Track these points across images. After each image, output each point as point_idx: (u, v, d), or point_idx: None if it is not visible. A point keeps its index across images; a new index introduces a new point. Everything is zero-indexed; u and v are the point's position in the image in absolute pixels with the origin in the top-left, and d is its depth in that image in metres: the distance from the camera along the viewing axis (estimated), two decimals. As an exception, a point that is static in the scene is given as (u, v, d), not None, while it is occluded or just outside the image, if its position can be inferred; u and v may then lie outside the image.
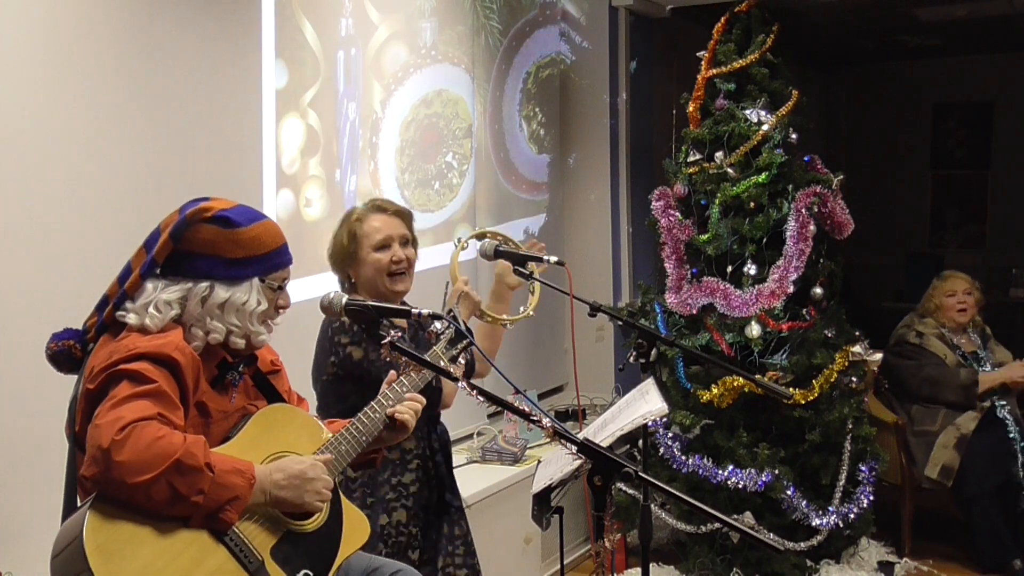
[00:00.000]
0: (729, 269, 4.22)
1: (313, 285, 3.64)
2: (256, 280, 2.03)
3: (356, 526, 2.14)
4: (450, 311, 2.76)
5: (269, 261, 2.05)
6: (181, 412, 1.85)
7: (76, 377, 2.01)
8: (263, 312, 2.04)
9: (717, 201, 4.23)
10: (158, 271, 1.99)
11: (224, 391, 2.05)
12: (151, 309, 1.95)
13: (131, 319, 1.95)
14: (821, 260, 4.28)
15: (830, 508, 4.12)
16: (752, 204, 4.18)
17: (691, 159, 4.38)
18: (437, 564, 2.79)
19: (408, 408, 2.25)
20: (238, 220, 2.02)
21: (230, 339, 2.01)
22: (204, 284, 1.98)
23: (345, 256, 2.72)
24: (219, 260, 1.99)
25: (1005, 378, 4.67)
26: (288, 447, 2.07)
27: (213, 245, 1.99)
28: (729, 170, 4.25)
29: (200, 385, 1.96)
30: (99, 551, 1.71)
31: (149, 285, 1.97)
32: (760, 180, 4.17)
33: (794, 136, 4.32)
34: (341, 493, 2.15)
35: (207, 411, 1.98)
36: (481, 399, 2.03)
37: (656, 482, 1.88)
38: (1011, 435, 4.60)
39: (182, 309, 1.97)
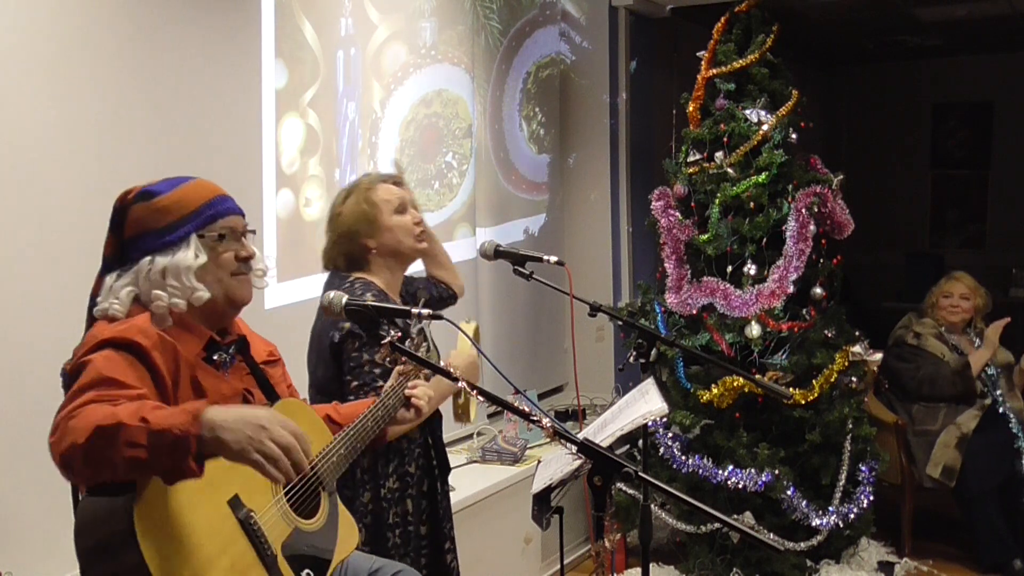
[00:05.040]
0: (729, 269, 4.22)
1: (313, 285, 3.64)
2: (193, 236, 2.01)
3: (348, 532, 2.16)
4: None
5: (201, 215, 2.03)
6: (142, 391, 1.80)
7: None
8: (203, 267, 2.00)
9: (717, 201, 4.23)
10: (111, 267, 2.02)
11: (216, 371, 2.05)
12: (111, 298, 1.97)
13: (96, 312, 1.98)
14: (821, 260, 4.28)
15: (830, 508, 4.12)
16: (752, 204, 4.18)
17: (691, 159, 4.38)
18: (444, 547, 2.82)
19: (423, 394, 2.32)
20: (159, 190, 2.03)
21: (172, 302, 1.97)
22: (145, 260, 1.99)
23: (367, 223, 2.70)
24: (150, 233, 2.00)
25: (991, 346, 4.69)
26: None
27: (142, 222, 2.00)
28: (729, 170, 4.25)
29: (183, 366, 1.93)
30: (145, 518, 1.71)
31: (107, 279, 2.00)
32: (760, 180, 4.17)
33: (794, 136, 4.32)
34: (338, 497, 2.17)
35: (202, 390, 1.97)
36: (481, 399, 2.03)
37: (656, 482, 1.88)
38: (1013, 430, 4.61)
39: (138, 290, 1.98)
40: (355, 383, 2.61)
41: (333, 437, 2.17)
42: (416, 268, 2.96)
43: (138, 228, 2.00)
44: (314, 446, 2.11)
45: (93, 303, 2.02)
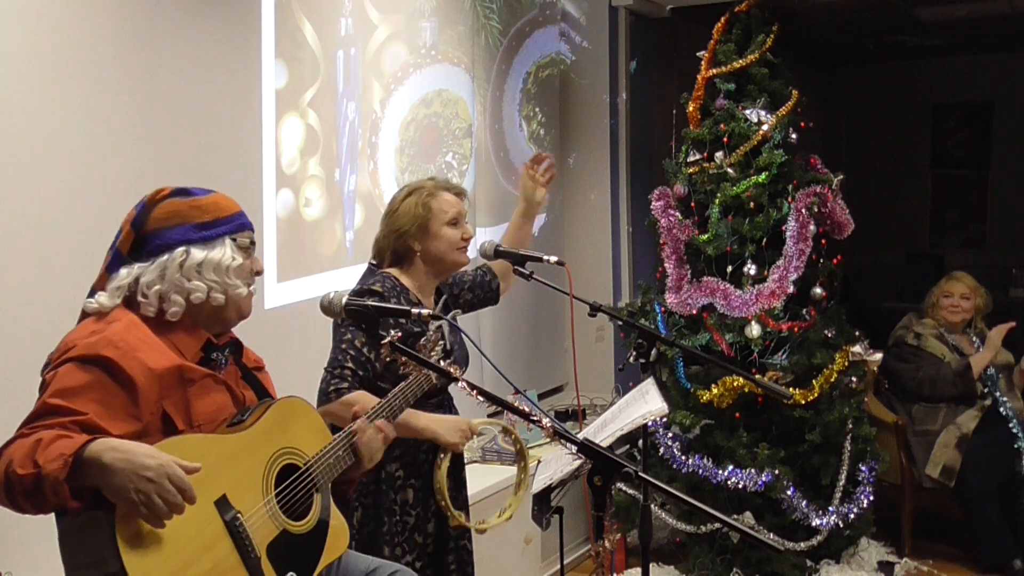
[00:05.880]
0: (729, 269, 4.22)
1: (313, 285, 3.64)
2: (228, 239, 2.08)
3: (339, 535, 2.15)
4: (454, 315, 2.79)
5: (234, 222, 2.10)
6: (86, 416, 1.82)
7: None
8: (239, 267, 2.08)
9: (717, 201, 4.23)
10: (126, 261, 2.03)
11: (210, 370, 2.06)
12: (139, 298, 1.99)
13: (93, 306, 1.99)
14: (821, 260, 4.28)
15: (830, 508, 4.12)
16: (752, 204, 4.18)
17: (691, 159, 4.38)
18: (447, 546, 2.83)
19: (369, 438, 2.22)
20: (195, 191, 2.10)
21: (211, 296, 2.02)
22: (180, 250, 2.02)
23: (418, 227, 2.79)
24: (189, 226, 2.04)
25: (993, 348, 4.69)
26: (296, 444, 2.10)
27: (179, 215, 2.04)
28: (729, 170, 4.25)
29: (165, 373, 1.94)
30: (127, 522, 1.74)
31: (123, 271, 2.01)
32: (760, 180, 4.17)
33: (794, 136, 4.32)
34: (332, 500, 2.16)
35: (186, 393, 1.97)
36: (481, 399, 2.03)
37: (656, 482, 1.88)
38: (1014, 430, 4.61)
39: (162, 281, 2.00)
40: (329, 357, 2.70)
41: (332, 438, 2.17)
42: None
43: (173, 219, 2.03)
44: (311, 447, 2.12)
45: (92, 295, 2.02)
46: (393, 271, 2.81)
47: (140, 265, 2.01)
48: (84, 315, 2.03)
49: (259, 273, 2.16)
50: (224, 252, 2.05)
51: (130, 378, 1.87)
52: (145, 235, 2.03)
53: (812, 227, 4.15)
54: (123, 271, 2.01)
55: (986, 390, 4.72)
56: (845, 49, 8.25)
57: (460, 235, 2.82)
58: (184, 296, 2.00)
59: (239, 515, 1.90)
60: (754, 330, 4.12)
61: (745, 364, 4.20)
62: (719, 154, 4.29)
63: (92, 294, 2.03)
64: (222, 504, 1.88)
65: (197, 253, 2.02)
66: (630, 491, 4.26)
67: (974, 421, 4.61)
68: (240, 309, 2.11)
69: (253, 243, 2.15)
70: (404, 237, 2.80)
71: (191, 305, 2.01)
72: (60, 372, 1.86)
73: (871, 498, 4.21)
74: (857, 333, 4.36)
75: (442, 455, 2.74)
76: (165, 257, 2.00)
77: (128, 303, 2.01)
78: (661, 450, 4.21)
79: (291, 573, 1.98)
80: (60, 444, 1.72)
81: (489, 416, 4.66)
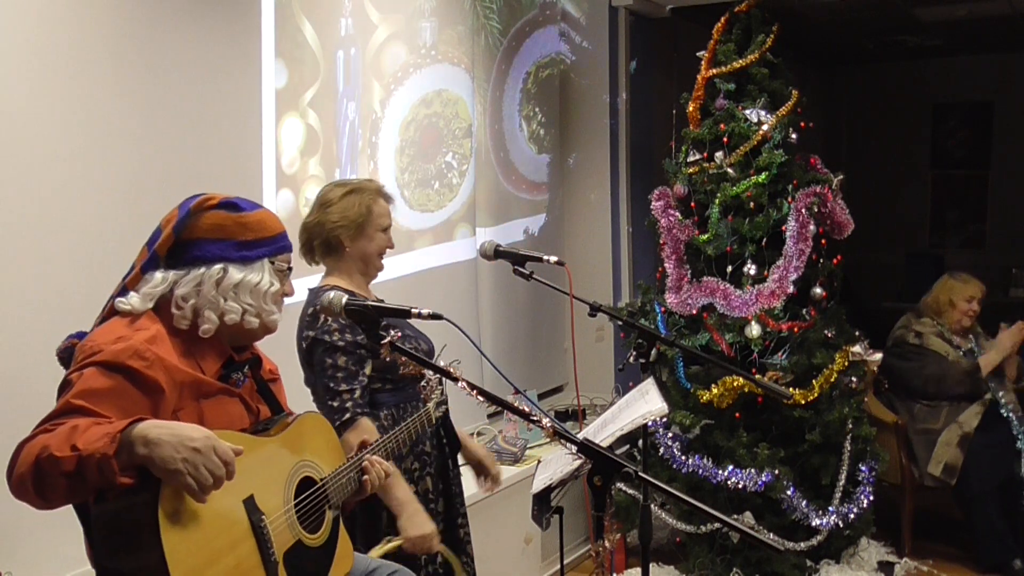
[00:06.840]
0: (729, 269, 4.22)
1: (313, 285, 3.64)
2: (267, 261, 2.07)
3: (344, 555, 2.17)
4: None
5: (276, 243, 2.10)
6: (108, 419, 1.81)
7: None
8: (275, 292, 2.08)
9: (717, 201, 4.23)
10: (161, 264, 2.02)
11: (227, 386, 2.07)
12: (173, 309, 1.98)
13: (125, 306, 1.97)
14: (821, 260, 4.28)
15: (830, 508, 4.12)
16: (752, 204, 4.18)
17: (691, 159, 4.38)
18: (457, 522, 2.91)
19: (376, 474, 2.27)
20: (243, 205, 2.08)
21: (245, 319, 2.02)
22: (218, 266, 2.00)
23: (355, 227, 2.79)
24: (230, 243, 2.02)
25: (1003, 352, 4.68)
26: (315, 458, 2.12)
27: (222, 229, 2.02)
28: (729, 170, 4.25)
29: (185, 385, 1.94)
30: (169, 507, 1.75)
31: (158, 275, 2.00)
32: (760, 180, 4.17)
33: (794, 136, 4.32)
34: (341, 521, 2.18)
35: (201, 392, 1.98)
36: (481, 399, 2.03)
37: (656, 482, 1.88)
38: (1014, 431, 4.61)
39: (197, 295, 1.99)
40: (320, 388, 2.70)
41: (345, 458, 2.20)
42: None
43: (215, 233, 2.02)
44: (328, 463, 2.14)
45: (123, 293, 2.01)
46: (333, 280, 2.81)
47: (175, 273, 2.00)
48: (113, 311, 2.01)
49: (289, 295, 2.16)
50: (262, 276, 2.05)
51: (154, 387, 1.88)
52: (185, 242, 2.01)
53: (812, 227, 4.15)
54: (158, 275, 1.99)
55: (989, 387, 4.72)
56: (845, 49, 8.25)
57: (387, 241, 2.86)
58: (218, 315, 2.00)
59: (264, 517, 1.92)
60: (754, 330, 4.12)
61: (745, 364, 4.20)
62: (719, 154, 4.29)
63: (124, 292, 2.01)
64: (250, 504, 1.90)
65: (235, 273, 2.01)
66: (630, 491, 4.26)
67: (976, 418, 4.61)
68: (268, 329, 2.12)
69: (290, 268, 2.14)
70: (337, 231, 2.78)
71: (223, 324, 2.01)
72: (85, 374, 1.85)
73: (871, 498, 4.21)
74: (857, 333, 4.36)
75: (390, 538, 2.62)
76: (202, 271, 1.99)
77: (158, 309, 2.00)
78: (661, 450, 4.21)
79: None
80: (101, 427, 1.73)
81: (489, 416, 4.67)
